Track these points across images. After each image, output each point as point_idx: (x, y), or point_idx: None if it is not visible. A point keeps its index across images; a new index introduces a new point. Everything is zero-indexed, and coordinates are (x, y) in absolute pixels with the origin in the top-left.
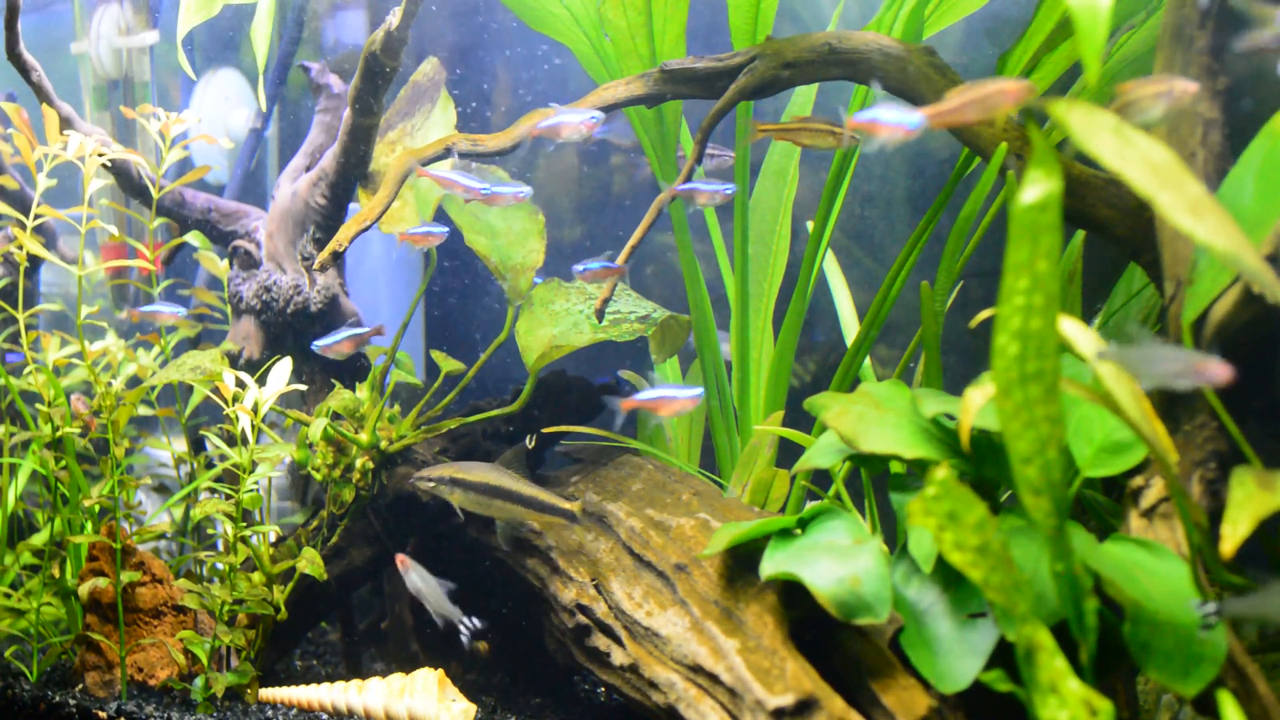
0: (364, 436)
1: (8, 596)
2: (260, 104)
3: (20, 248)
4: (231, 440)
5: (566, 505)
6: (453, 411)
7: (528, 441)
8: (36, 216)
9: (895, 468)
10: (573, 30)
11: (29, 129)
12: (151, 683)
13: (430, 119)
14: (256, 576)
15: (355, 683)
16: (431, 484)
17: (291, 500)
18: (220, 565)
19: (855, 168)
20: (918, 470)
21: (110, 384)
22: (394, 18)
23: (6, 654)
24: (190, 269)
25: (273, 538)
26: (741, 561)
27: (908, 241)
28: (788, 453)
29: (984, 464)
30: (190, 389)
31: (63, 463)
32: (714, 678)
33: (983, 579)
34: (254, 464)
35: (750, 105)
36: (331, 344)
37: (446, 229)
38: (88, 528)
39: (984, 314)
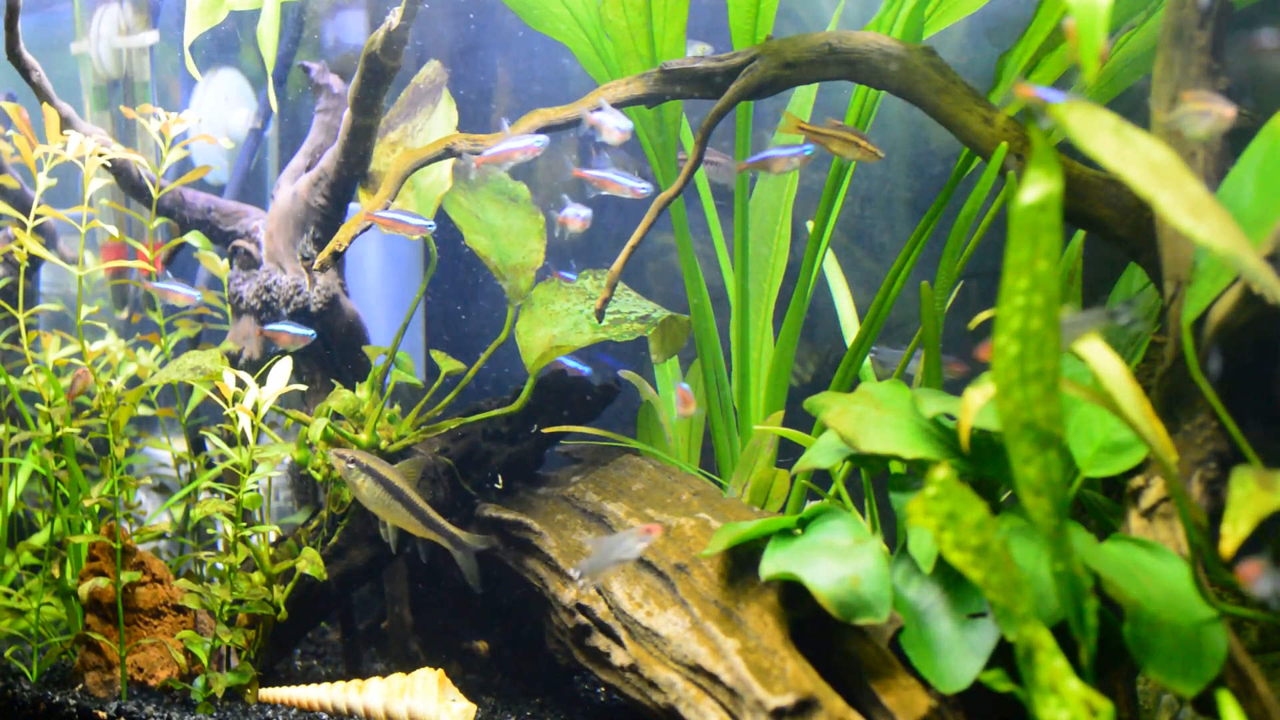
0: (364, 436)
1: (8, 596)
2: (272, 102)
3: (20, 248)
4: (231, 440)
5: (455, 531)
6: (453, 411)
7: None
8: (36, 216)
9: (895, 468)
10: (573, 30)
11: (29, 129)
12: (151, 683)
13: (432, 119)
14: (256, 576)
15: (355, 683)
16: (346, 463)
17: (292, 500)
18: (220, 565)
19: (855, 168)
20: (918, 470)
21: (110, 384)
22: (394, 17)
23: (6, 654)
24: (190, 269)
25: (273, 538)
26: (741, 561)
27: (908, 242)
28: (788, 453)
29: (984, 464)
30: (190, 389)
31: (63, 463)
32: (714, 678)
33: (983, 579)
34: (254, 464)
35: (751, 105)
36: (275, 330)
37: (432, 223)
38: (88, 528)
39: (984, 314)
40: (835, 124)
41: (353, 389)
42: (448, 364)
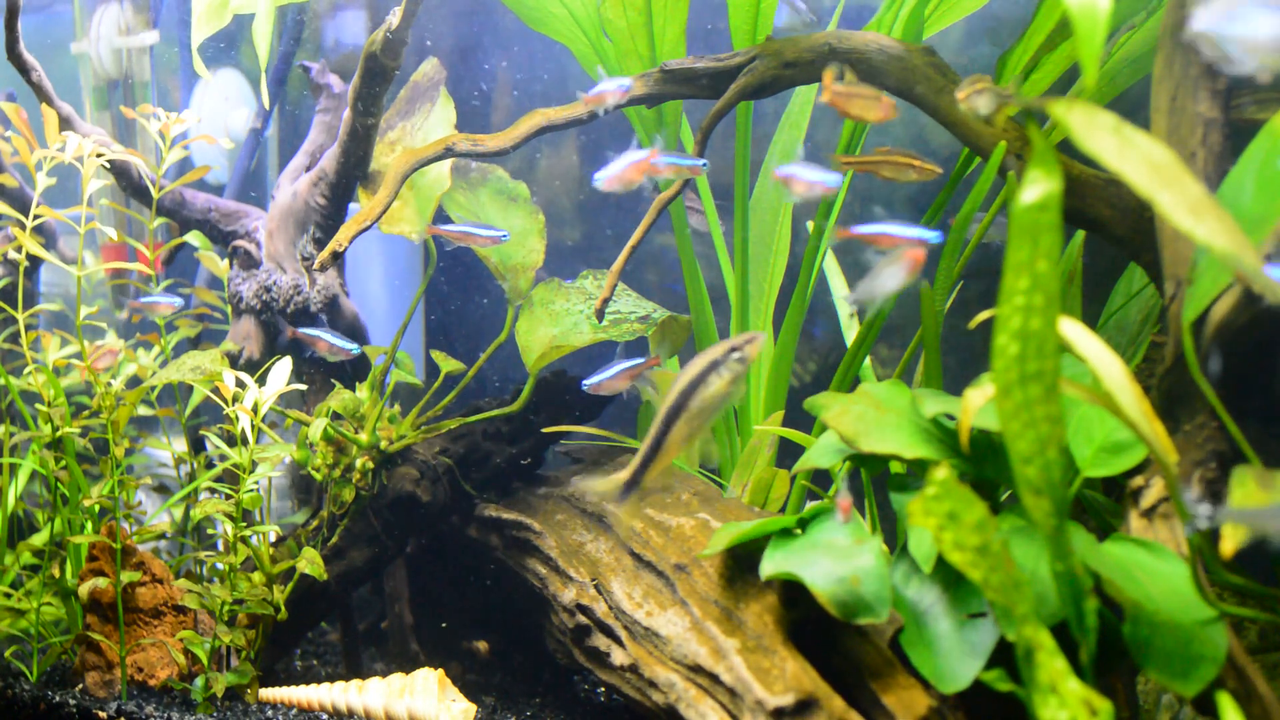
0: (364, 436)
1: (8, 596)
2: (264, 101)
3: (20, 248)
4: (231, 440)
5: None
6: (453, 411)
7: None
8: (36, 216)
9: (895, 468)
10: (573, 30)
11: (29, 129)
12: (151, 683)
13: (430, 119)
14: (256, 576)
15: (355, 683)
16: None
17: (291, 500)
18: (220, 565)
19: None
20: (918, 470)
21: (110, 384)
22: (394, 18)
23: (6, 654)
24: (190, 269)
25: (273, 538)
26: (741, 561)
27: None
28: (788, 453)
29: (984, 464)
30: (190, 389)
31: (63, 463)
32: (714, 678)
33: (983, 579)
34: (254, 464)
35: (751, 105)
36: (312, 335)
37: (506, 233)
38: (88, 528)
39: (984, 314)
40: (884, 150)
41: (352, 389)
42: (448, 364)
